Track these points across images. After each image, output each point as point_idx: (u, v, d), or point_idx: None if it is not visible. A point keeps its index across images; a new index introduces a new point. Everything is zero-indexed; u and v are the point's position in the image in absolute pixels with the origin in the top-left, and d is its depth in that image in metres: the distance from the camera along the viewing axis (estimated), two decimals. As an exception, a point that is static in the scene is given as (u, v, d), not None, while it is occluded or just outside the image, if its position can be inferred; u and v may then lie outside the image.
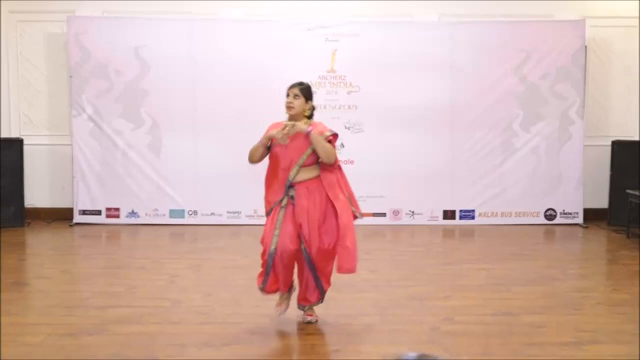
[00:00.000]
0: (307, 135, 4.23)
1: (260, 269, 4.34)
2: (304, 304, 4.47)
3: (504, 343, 4.09)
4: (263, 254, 4.30)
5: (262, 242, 4.32)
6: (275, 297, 4.48)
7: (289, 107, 4.38)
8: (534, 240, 7.63)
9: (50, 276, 5.77)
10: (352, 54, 8.04)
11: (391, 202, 8.25)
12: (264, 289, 4.35)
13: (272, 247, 4.21)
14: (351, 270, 4.27)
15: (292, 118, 4.37)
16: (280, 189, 4.32)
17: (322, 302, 4.48)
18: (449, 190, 8.30)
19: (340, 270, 4.27)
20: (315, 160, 4.31)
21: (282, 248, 4.20)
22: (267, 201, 4.43)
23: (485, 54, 8.17)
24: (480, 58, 8.17)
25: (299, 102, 4.38)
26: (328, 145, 4.25)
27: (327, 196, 4.28)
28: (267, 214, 4.40)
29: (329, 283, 4.46)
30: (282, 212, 4.28)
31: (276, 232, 4.23)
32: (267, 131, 4.39)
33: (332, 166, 4.30)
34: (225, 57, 8.06)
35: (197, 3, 8.29)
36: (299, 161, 4.28)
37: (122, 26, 8.08)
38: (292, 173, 4.28)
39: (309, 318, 4.44)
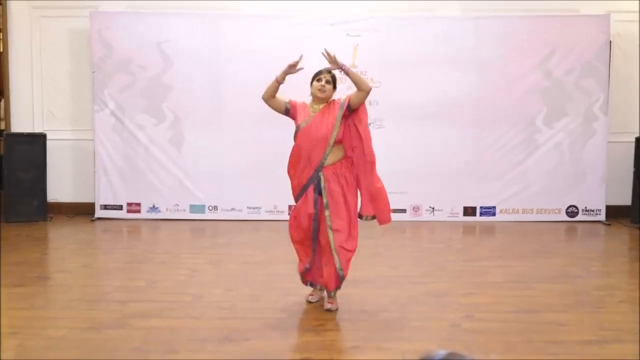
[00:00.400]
0: (342, 68, 4.59)
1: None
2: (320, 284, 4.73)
3: (525, 341, 4.06)
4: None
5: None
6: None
7: (321, 90, 4.57)
8: (555, 237, 7.56)
9: (72, 270, 5.82)
10: (373, 50, 8.02)
11: (412, 199, 8.22)
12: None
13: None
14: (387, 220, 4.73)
15: (319, 101, 4.61)
16: (309, 171, 4.50)
17: (339, 289, 4.61)
18: (470, 187, 8.25)
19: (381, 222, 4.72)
20: (342, 138, 4.50)
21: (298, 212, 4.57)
22: (294, 186, 4.61)
23: (509, 49, 8.10)
24: (503, 53, 8.10)
25: (330, 88, 4.62)
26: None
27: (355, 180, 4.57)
28: (297, 199, 4.59)
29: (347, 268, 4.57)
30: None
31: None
32: (296, 110, 4.63)
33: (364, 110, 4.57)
34: (247, 52, 8.08)
35: (220, -2, 8.31)
36: (331, 139, 4.44)
37: (145, 21, 8.13)
38: (326, 151, 4.46)
39: (329, 306, 4.56)
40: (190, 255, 6.40)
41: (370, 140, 4.56)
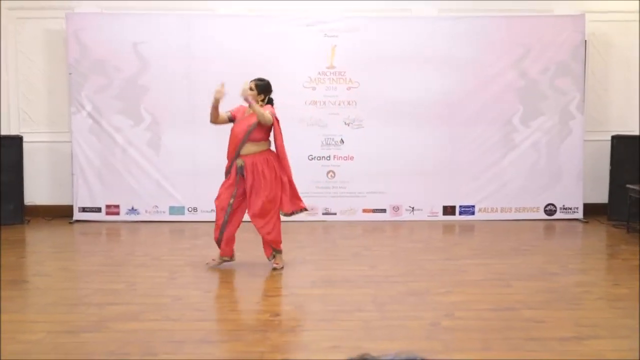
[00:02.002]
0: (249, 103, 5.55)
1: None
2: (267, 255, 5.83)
3: (504, 338, 4.09)
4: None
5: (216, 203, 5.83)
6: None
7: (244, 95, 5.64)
8: (533, 235, 7.62)
9: (50, 274, 5.77)
10: (351, 50, 8.02)
11: (391, 198, 8.24)
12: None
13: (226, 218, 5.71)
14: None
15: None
16: (231, 156, 5.74)
17: (277, 253, 5.73)
18: (449, 186, 8.28)
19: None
20: (262, 137, 5.66)
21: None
22: (226, 167, 5.83)
23: (485, 49, 8.15)
24: (480, 53, 8.15)
25: (254, 93, 5.63)
26: (262, 110, 5.53)
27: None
28: (226, 174, 5.82)
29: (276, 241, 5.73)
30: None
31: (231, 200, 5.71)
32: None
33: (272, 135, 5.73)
34: (224, 52, 8.04)
35: (197, -1, 8.29)
36: (245, 135, 5.58)
37: (121, 22, 8.07)
38: (240, 144, 5.62)
39: (274, 265, 5.69)
40: (170, 257, 6.37)
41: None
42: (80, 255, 6.76)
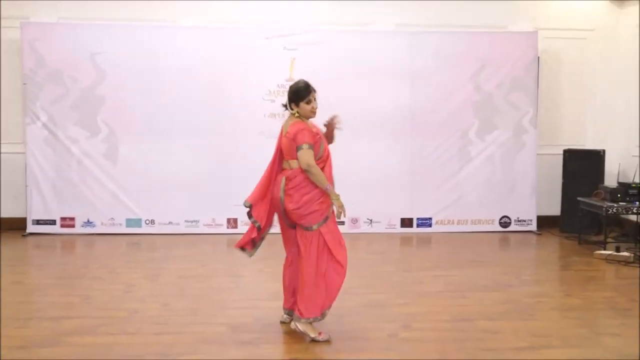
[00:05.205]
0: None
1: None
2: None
3: (460, 348, 4.15)
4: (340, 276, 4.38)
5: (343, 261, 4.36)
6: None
7: (314, 112, 4.55)
8: (489, 247, 7.76)
9: (3, 288, 5.64)
10: (311, 63, 8.04)
11: (349, 211, 8.21)
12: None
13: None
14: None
15: (308, 119, 4.55)
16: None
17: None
18: (407, 198, 8.38)
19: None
20: None
21: None
22: (323, 210, 4.36)
23: (442, 63, 8.29)
24: (438, 67, 8.29)
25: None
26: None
27: None
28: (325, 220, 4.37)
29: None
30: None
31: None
32: (309, 137, 4.40)
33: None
34: (184, 64, 8.03)
35: (157, 10, 8.24)
36: None
37: (78, 32, 7.98)
38: None
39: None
40: (126, 269, 6.29)
41: None
42: (34, 269, 6.62)
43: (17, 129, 8.17)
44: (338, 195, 4.30)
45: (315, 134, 4.41)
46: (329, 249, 4.30)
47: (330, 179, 4.43)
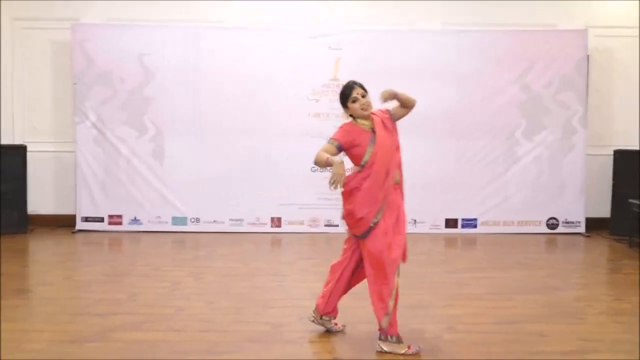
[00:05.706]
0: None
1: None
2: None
3: (506, 352, 4.09)
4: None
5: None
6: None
7: (365, 109, 4.46)
8: (536, 249, 7.63)
9: (53, 283, 5.77)
10: (355, 62, 8.04)
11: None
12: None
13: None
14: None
15: (364, 117, 4.45)
16: (378, 199, 4.28)
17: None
18: (452, 199, 8.30)
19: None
20: None
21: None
22: (366, 220, 4.23)
23: (488, 63, 8.19)
24: (484, 66, 8.19)
25: (368, 99, 4.52)
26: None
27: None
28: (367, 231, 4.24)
29: None
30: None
31: None
32: (339, 134, 4.38)
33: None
34: (229, 64, 8.11)
35: (202, 11, 8.35)
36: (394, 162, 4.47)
37: (127, 33, 8.13)
38: (397, 176, 4.55)
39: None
40: (172, 267, 6.37)
41: None
42: (83, 265, 6.76)
43: (67, 128, 8.36)
44: (339, 162, 4.01)
45: (353, 135, 4.30)
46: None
47: (377, 197, 4.27)
